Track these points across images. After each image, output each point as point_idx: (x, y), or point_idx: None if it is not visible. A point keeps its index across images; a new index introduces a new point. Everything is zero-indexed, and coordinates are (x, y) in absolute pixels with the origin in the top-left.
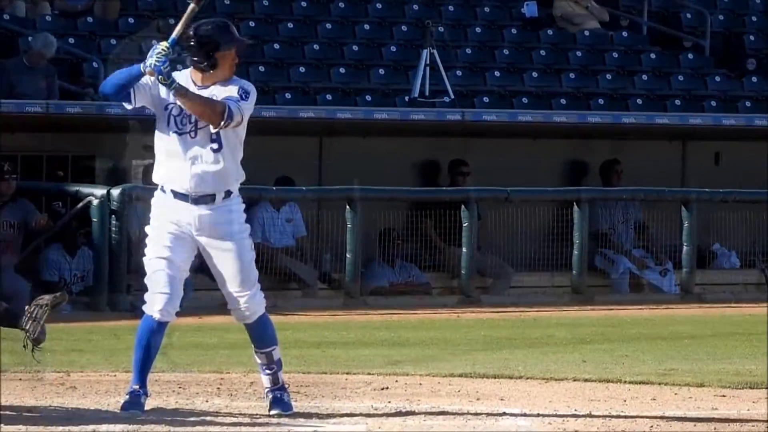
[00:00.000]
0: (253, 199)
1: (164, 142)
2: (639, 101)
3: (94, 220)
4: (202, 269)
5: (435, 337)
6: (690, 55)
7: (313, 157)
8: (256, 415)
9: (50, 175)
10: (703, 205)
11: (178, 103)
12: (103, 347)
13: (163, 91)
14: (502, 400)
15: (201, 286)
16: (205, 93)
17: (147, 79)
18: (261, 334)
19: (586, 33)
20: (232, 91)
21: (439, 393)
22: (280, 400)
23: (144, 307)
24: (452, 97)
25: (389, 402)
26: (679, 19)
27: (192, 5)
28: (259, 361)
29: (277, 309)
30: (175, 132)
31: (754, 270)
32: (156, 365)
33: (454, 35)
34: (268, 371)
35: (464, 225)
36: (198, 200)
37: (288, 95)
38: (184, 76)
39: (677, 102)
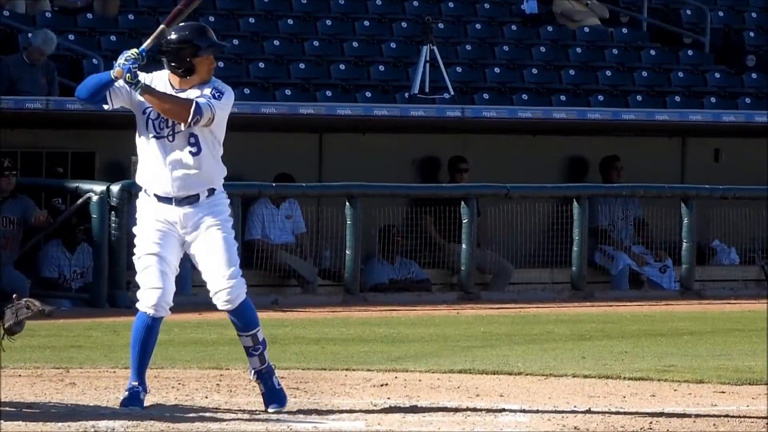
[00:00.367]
0: (252, 196)
1: (144, 146)
2: (639, 98)
3: (94, 216)
4: None
5: (434, 333)
6: (690, 52)
7: (313, 154)
8: (256, 411)
9: (50, 171)
10: (703, 202)
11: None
12: (102, 343)
13: (135, 102)
14: (501, 396)
15: (200, 282)
16: (183, 96)
17: (122, 83)
18: (246, 318)
19: (586, 29)
20: (205, 92)
21: (439, 389)
22: (273, 392)
23: (137, 304)
24: (452, 93)
25: (388, 398)
26: (678, 16)
27: (162, 26)
28: (245, 344)
29: (276, 305)
30: (154, 136)
31: (754, 266)
32: (155, 361)
33: (454, 32)
34: (254, 352)
35: (464, 221)
36: (182, 201)
37: (288, 92)
38: (163, 81)
39: (677, 98)
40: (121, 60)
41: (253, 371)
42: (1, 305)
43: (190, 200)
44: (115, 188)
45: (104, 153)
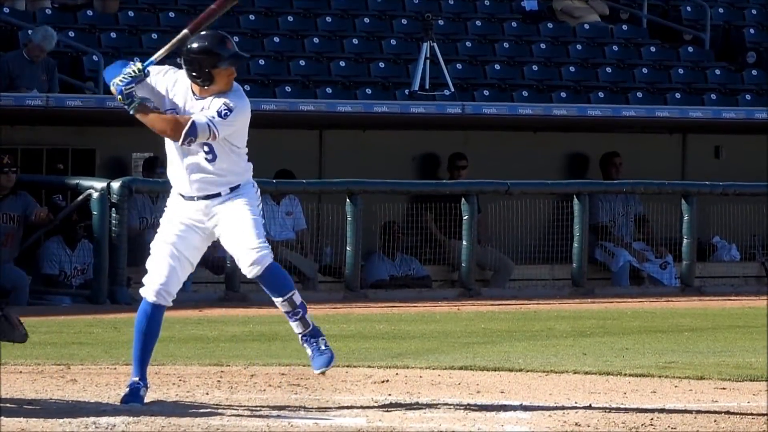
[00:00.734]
0: None
1: (168, 146)
2: (639, 94)
3: (95, 213)
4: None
5: (435, 329)
6: (690, 48)
7: (313, 151)
8: (257, 407)
9: (50, 168)
10: (703, 198)
11: (175, 110)
12: (103, 340)
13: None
14: (502, 392)
15: (201, 279)
16: (202, 104)
17: (150, 80)
18: (279, 282)
19: (586, 26)
20: (215, 106)
21: (440, 386)
22: (316, 354)
23: (141, 290)
24: (452, 90)
25: (389, 395)
26: (678, 12)
27: (185, 32)
28: (283, 309)
29: None
30: None
31: (754, 263)
32: (156, 358)
33: (454, 28)
34: (294, 317)
35: (464, 218)
36: (204, 198)
37: (288, 88)
38: (186, 85)
39: (677, 95)
40: (117, 79)
41: (300, 337)
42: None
43: (212, 198)
44: (116, 185)
45: (105, 150)
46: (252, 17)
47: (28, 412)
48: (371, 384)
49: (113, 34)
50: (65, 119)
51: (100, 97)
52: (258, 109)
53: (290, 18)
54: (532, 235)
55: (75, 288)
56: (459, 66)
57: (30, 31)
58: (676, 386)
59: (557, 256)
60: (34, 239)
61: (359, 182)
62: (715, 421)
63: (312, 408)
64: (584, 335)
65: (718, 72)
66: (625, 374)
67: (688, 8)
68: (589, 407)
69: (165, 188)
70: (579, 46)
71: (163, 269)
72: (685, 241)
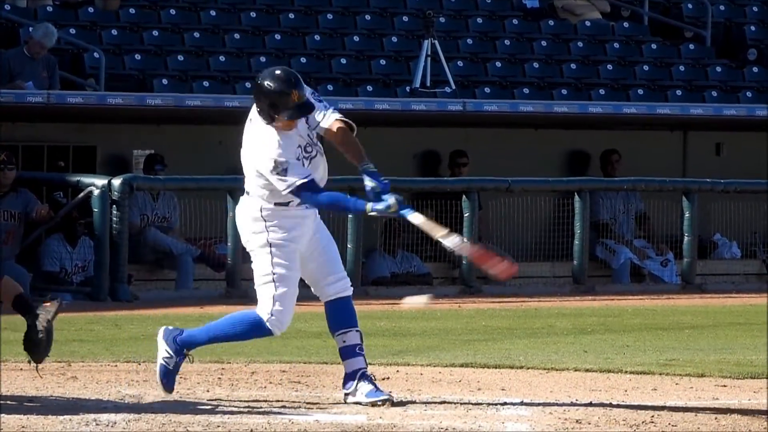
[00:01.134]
0: None
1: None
2: (640, 91)
3: (95, 210)
4: (203, 258)
5: (436, 327)
6: (691, 46)
7: None
8: (257, 404)
9: (51, 165)
10: (704, 196)
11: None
12: (104, 337)
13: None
14: (503, 390)
15: (202, 276)
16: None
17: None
18: (353, 309)
19: (587, 23)
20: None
21: (440, 383)
22: (375, 386)
23: (265, 312)
24: (453, 87)
25: (390, 392)
26: (680, 10)
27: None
28: (352, 342)
29: None
30: None
31: (755, 260)
32: (156, 355)
33: (455, 25)
34: (360, 351)
35: (465, 215)
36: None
37: None
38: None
39: (678, 92)
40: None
41: (354, 381)
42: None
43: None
44: (117, 182)
45: (105, 146)
46: (253, 14)
47: (29, 410)
48: None
49: (114, 32)
50: (66, 116)
51: (101, 94)
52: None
53: (291, 15)
54: (533, 232)
55: (76, 285)
56: (460, 63)
57: (30, 28)
58: (677, 384)
59: (558, 253)
60: (35, 236)
61: (360, 179)
62: (715, 418)
63: (313, 405)
64: (585, 332)
65: (719, 69)
66: (626, 371)
67: (689, 5)
68: (590, 404)
69: (165, 185)
70: (580, 44)
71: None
72: (686, 238)
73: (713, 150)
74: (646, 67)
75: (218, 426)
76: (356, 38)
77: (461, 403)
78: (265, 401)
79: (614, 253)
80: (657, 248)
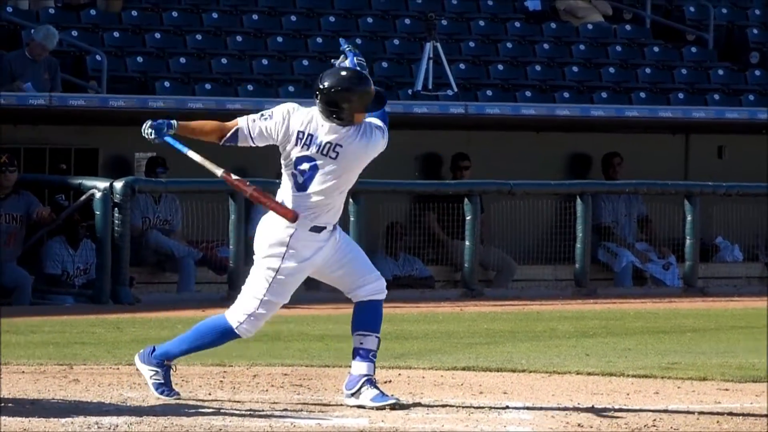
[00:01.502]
0: None
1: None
2: (642, 94)
3: (97, 212)
4: (204, 261)
5: (438, 330)
6: (693, 49)
7: None
8: (259, 407)
9: (53, 167)
10: (706, 199)
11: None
12: (105, 340)
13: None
14: (505, 393)
15: (204, 279)
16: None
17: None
18: (380, 316)
19: (589, 26)
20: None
21: (442, 386)
22: (381, 391)
23: (233, 317)
24: (455, 90)
25: (392, 395)
26: (682, 12)
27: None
28: (368, 346)
29: None
30: None
31: (757, 263)
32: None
33: (457, 28)
34: (373, 357)
35: (467, 218)
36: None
37: (291, 88)
38: None
39: (680, 95)
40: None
41: (358, 384)
42: None
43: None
44: (119, 185)
45: (107, 149)
46: (255, 17)
47: (30, 412)
48: None
49: (116, 34)
50: (68, 118)
51: (103, 96)
52: (261, 110)
53: (292, 18)
54: (535, 235)
55: (77, 288)
56: (462, 66)
57: (32, 30)
58: (678, 387)
59: (560, 256)
60: (37, 239)
61: (362, 182)
62: (717, 422)
63: (314, 408)
64: (587, 336)
65: (721, 72)
66: (628, 375)
67: (692, 8)
68: (592, 408)
69: (167, 188)
70: (582, 46)
71: (265, 320)
72: (687, 241)
73: (715, 153)
74: (648, 70)
75: (220, 429)
76: (358, 41)
77: (463, 407)
78: (267, 404)
79: (616, 256)
80: (659, 251)
